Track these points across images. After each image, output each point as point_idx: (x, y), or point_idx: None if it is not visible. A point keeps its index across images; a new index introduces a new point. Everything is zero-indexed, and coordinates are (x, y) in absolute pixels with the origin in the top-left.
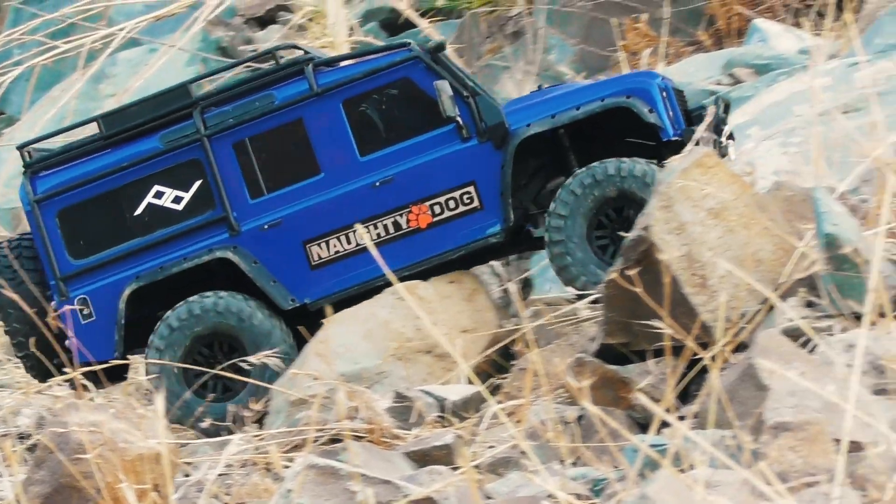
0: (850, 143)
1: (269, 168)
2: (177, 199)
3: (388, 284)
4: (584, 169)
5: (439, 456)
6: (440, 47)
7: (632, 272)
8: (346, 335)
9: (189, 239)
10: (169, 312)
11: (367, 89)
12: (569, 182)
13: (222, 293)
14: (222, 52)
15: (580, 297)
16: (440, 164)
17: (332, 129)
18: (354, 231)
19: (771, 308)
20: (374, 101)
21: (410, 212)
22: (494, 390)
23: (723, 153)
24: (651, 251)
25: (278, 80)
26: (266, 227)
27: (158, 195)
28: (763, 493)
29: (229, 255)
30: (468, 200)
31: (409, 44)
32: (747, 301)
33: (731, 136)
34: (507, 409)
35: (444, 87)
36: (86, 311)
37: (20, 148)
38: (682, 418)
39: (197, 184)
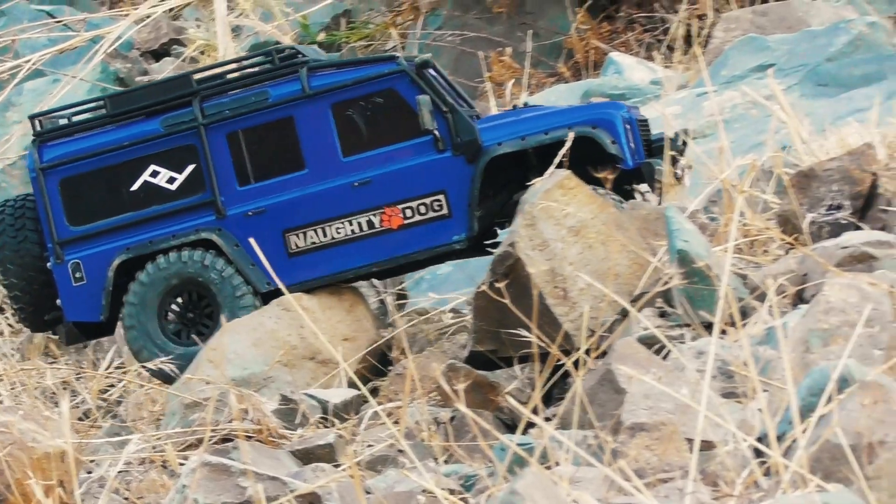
0: (699, 166)
1: (258, 159)
2: (171, 180)
3: (357, 277)
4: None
5: (322, 454)
6: (426, 64)
7: (499, 285)
8: (236, 343)
9: (178, 218)
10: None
11: (354, 95)
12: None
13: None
14: (120, 83)
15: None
16: (415, 171)
17: (320, 130)
18: (331, 225)
19: (628, 318)
20: (360, 107)
21: (384, 213)
22: (373, 393)
23: (678, 179)
24: (517, 266)
25: (274, 78)
26: (250, 213)
27: (154, 174)
28: (622, 488)
29: (213, 236)
30: (438, 207)
31: (397, 57)
32: (606, 312)
33: (689, 166)
34: (386, 411)
35: (425, 102)
36: (78, 275)
37: (32, 118)
38: (547, 419)
39: (190, 167)
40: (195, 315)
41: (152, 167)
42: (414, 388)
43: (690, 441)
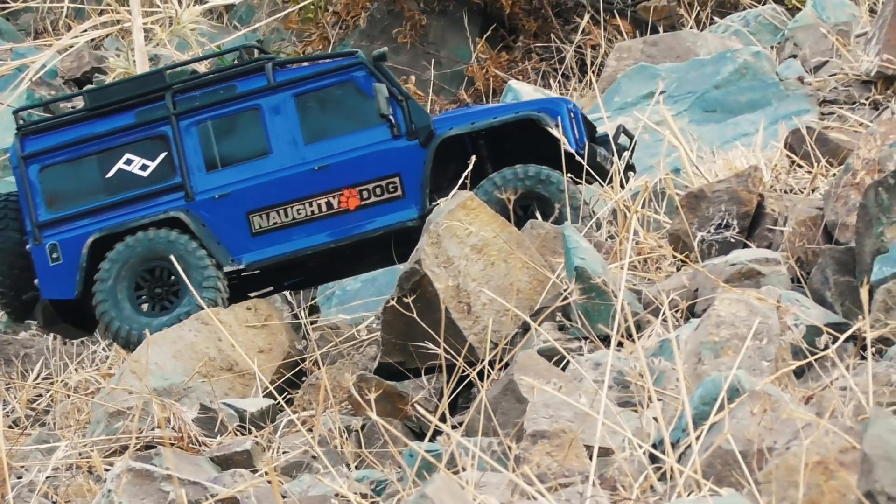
0: (595, 187)
1: (226, 147)
2: (143, 167)
3: (316, 255)
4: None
5: (240, 460)
6: (382, 57)
7: (407, 300)
8: (157, 355)
9: (150, 201)
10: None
11: (316, 87)
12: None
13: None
14: (45, 109)
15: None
16: (372, 156)
17: (284, 119)
18: (292, 206)
19: (529, 331)
20: (321, 98)
21: (342, 194)
22: (288, 403)
23: (623, 180)
24: (423, 282)
25: (241, 75)
26: (217, 196)
27: (128, 162)
28: (526, 492)
29: (181, 215)
30: (392, 189)
31: (357, 52)
32: (508, 325)
33: (632, 168)
34: (300, 419)
35: (382, 90)
36: (55, 255)
37: (15, 112)
38: (453, 427)
39: (162, 155)
40: (162, 290)
41: (126, 156)
42: (327, 398)
43: (589, 448)
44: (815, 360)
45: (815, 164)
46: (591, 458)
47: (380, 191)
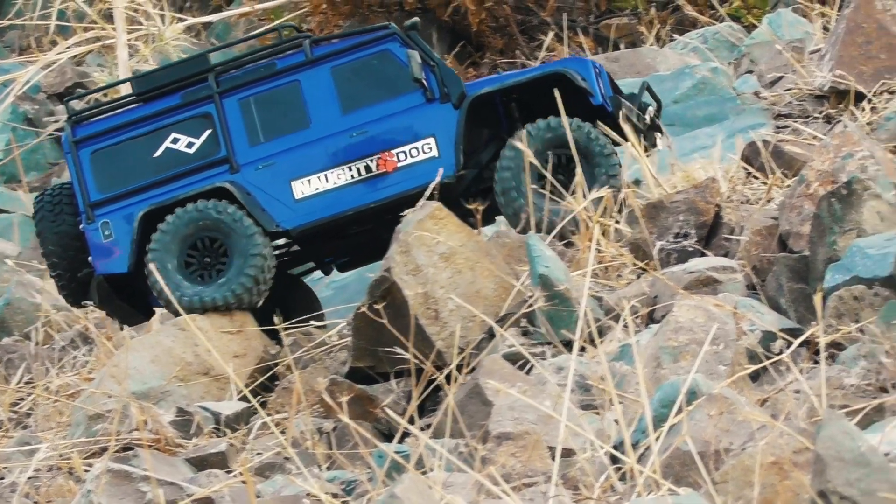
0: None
1: (267, 121)
2: (189, 145)
3: (357, 216)
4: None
5: (215, 461)
6: (414, 26)
7: (377, 307)
8: (136, 359)
9: (196, 175)
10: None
11: (352, 59)
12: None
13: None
14: (29, 123)
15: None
16: (407, 120)
17: (322, 91)
18: (332, 172)
19: (494, 337)
20: (357, 69)
21: (380, 158)
22: (262, 406)
23: (651, 142)
24: (392, 289)
25: (280, 52)
26: (260, 166)
27: (175, 141)
28: (491, 492)
29: (227, 185)
30: (428, 150)
31: (390, 24)
32: (474, 331)
33: (658, 129)
34: (274, 422)
35: (415, 56)
36: (107, 232)
37: (67, 101)
38: (421, 429)
39: (207, 132)
40: (211, 258)
41: (173, 135)
42: (299, 401)
43: (552, 449)
44: (771, 364)
45: (771, 176)
46: (553, 458)
47: (416, 152)
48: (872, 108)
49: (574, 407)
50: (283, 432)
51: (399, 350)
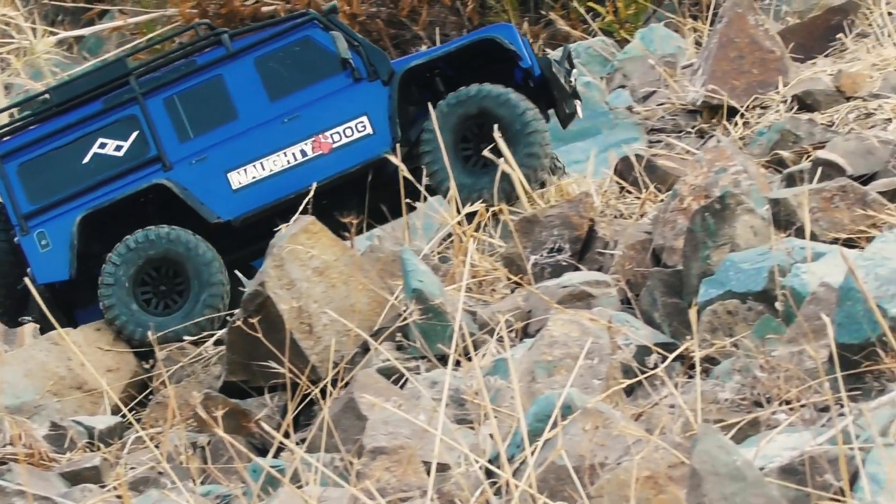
0: (432, 213)
1: (194, 118)
2: (118, 148)
3: (297, 199)
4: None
5: (89, 476)
6: (333, 10)
7: (251, 321)
8: (9, 374)
9: (130, 177)
10: (128, 235)
11: (274, 48)
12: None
13: (175, 227)
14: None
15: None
16: (337, 101)
17: (246, 82)
18: (268, 159)
19: (369, 351)
20: (280, 58)
21: (315, 141)
22: (136, 420)
23: (571, 111)
24: (266, 303)
25: (198, 50)
26: (194, 161)
27: (102, 146)
28: None
29: (164, 181)
30: (362, 128)
31: (309, 10)
32: (349, 345)
33: (576, 95)
34: (148, 436)
35: (339, 37)
36: (44, 242)
37: None
38: (296, 444)
39: (134, 134)
40: (167, 286)
41: (100, 140)
42: (174, 415)
43: (427, 463)
44: (645, 378)
45: (644, 190)
46: (428, 473)
47: (350, 132)
48: (745, 123)
49: (449, 421)
50: (157, 446)
51: (273, 364)
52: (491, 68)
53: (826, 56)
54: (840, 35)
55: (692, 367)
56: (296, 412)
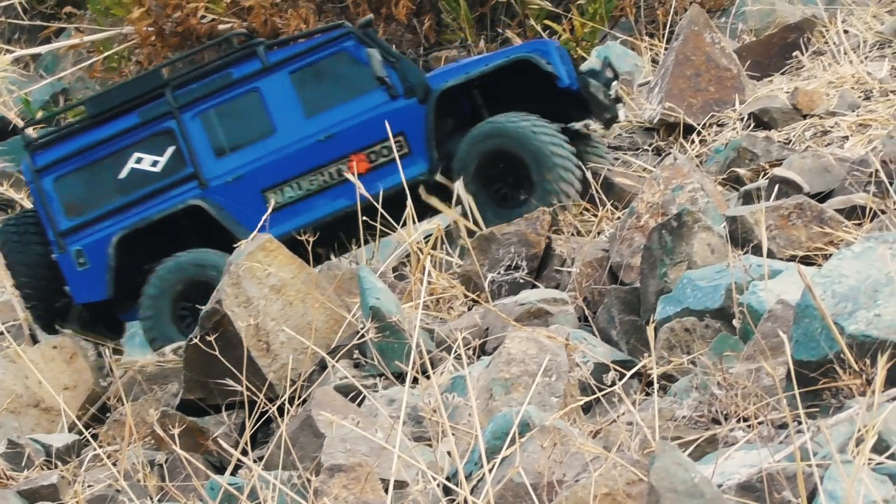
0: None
1: (231, 132)
2: (154, 163)
3: (335, 221)
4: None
5: (47, 494)
6: (368, 23)
7: (209, 338)
8: None
9: (166, 194)
10: (158, 266)
11: (310, 61)
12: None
13: (203, 249)
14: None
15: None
16: (373, 119)
17: (282, 96)
18: (304, 178)
19: (326, 369)
20: (316, 72)
21: (350, 160)
22: (93, 438)
23: (614, 115)
24: (224, 321)
25: (234, 62)
26: (230, 180)
27: (139, 161)
28: None
29: (199, 202)
30: (399, 147)
31: (344, 23)
32: (306, 363)
33: (619, 100)
34: (106, 454)
35: (375, 54)
36: (81, 260)
37: (22, 129)
38: (254, 461)
39: (170, 149)
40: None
41: (136, 155)
42: (131, 433)
43: (385, 481)
44: (603, 395)
45: (601, 208)
46: (386, 490)
47: (387, 151)
48: (702, 141)
49: (407, 438)
50: (115, 464)
51: (231, 382)
52: (531, 81)
53: (782, 74)
54: (796, 53)
55: (650, 384)
56: (253, 430)
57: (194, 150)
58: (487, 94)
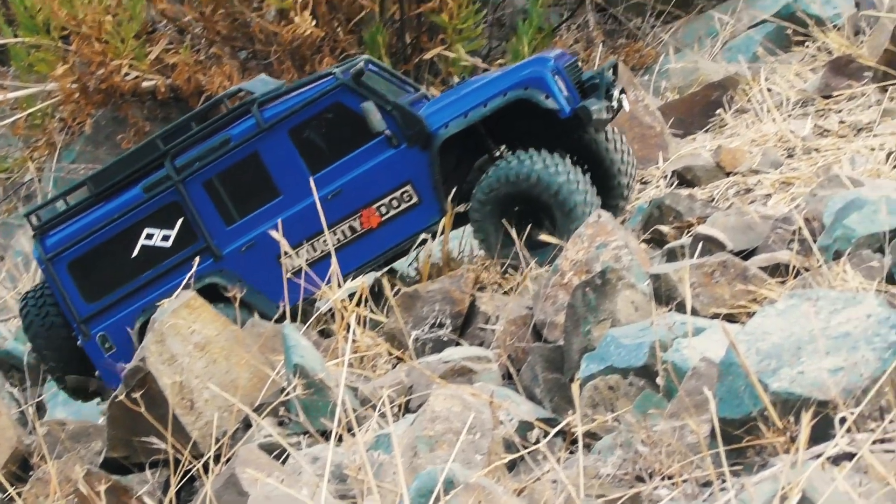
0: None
1: (237, 197)
2: (165, 238)
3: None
4: None
5: None
6: (360, 72)
7: (133, 395)
8: None
9: (181, 270)
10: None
11: (306, 117)
12: None
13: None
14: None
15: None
16: (378, 170)
17: (284, 156)
18: (318, 239)
19: (251, 426)
20: (314, 126)
21: (361, 216)
22: (17, 496)
23: (617, 108)
24: (148, 378)
25: (230, 122)
26: (244, 249)
27: (149, 237)
28: None
29: (217, 279)
30: (408, 198)
31: (334, 73)
32: (230, 421)
33: (622, 91)
34: None
35: (370, 107)
36: (107, 345)
37: (27, 214)
38: None
39: (179, 221)
40: None
41: (146, 230)
42: (55, 492)
43: None
44: (527, 453)
45: (525, 266)
46: None
47: (396, 202)
48: None
49: (331, 497)
50: None
51: (155, 440)
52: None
53: (706, 131)
54: (719, 111)
55: (574, 442)
56: (177, 488)
57: (203, 220)
58: (488, 120)
